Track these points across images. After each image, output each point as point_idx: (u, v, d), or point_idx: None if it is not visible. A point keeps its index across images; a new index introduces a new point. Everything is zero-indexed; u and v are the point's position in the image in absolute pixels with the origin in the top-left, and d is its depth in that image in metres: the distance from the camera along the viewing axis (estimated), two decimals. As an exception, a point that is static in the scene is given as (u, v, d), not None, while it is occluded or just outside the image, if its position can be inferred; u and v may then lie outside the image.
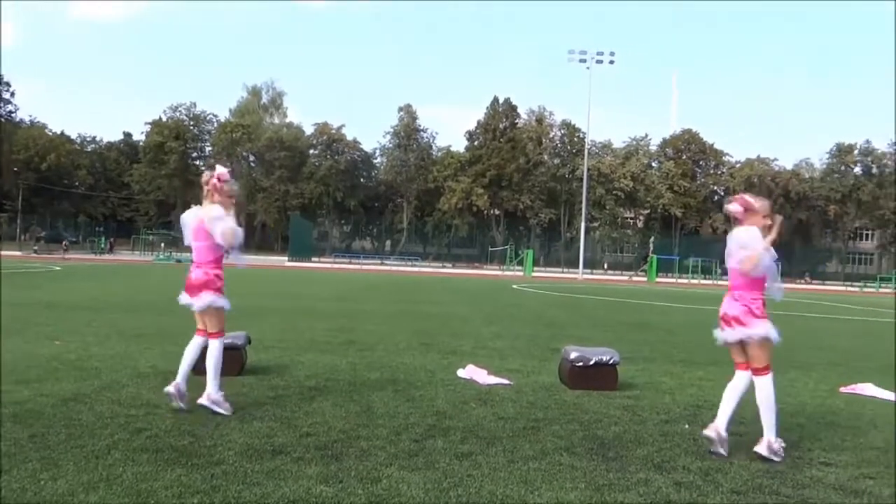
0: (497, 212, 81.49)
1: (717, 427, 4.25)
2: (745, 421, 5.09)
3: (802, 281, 63.53)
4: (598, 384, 6.04)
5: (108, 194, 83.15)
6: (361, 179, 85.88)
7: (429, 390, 5.79)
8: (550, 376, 6.62)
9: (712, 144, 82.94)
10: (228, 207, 4.81)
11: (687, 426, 4.86)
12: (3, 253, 49.83)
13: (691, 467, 3.88)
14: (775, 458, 4.07)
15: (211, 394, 4.71)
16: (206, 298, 4.78)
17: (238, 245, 4.79)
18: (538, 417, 4.96)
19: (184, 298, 4.88)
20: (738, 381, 4.35)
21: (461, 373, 6.58)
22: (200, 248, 4.81)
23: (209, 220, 4.70)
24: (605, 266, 70.21)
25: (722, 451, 4.17)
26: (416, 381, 6.15)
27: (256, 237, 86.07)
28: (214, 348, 4.80)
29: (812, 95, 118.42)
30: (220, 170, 4.88)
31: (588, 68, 52.43)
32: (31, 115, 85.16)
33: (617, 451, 4.15)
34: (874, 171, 79.24)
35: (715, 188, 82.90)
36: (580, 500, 3.27)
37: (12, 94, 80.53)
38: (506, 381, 6.27)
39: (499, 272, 53.91)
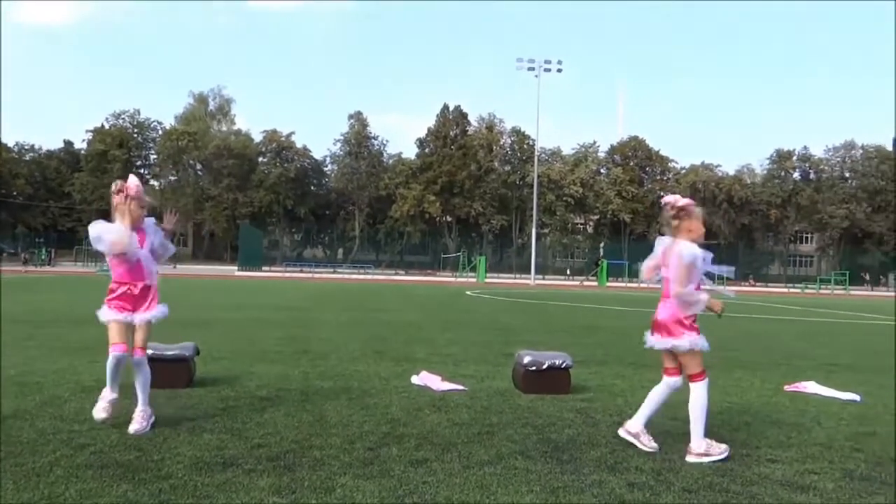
0: (449, 218, 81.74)
1: (627, 426, 4.39)
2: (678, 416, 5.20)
3: (747, 283, 65.30)
4: (552, 388, 6.08)
5: (48, 204, 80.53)
6: (312, 187, 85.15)
7: (383, 398, 5.75)
8: (504, 381, 6.64)
9: (658, 151, 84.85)
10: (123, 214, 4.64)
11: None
12: (-64, 266, 47.78)
13: (644, 468, 3.94)
14: (714, 456, 4.11)
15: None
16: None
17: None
18: (493, 422, 4.97)
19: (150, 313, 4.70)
20: (662, 386, 4.39)
21: (415, 379, 6.55)
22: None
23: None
24: (569, 272, 70.33)
25: (641, 445, 4.28)
26: (370, 389, 6.10)
27: (205, 247, 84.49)
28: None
29: (752, 102, 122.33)
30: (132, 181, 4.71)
31: (536, 76, 53.05)
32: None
33: (571, 454, 4.18)
34: (811, 176, 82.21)
35: (662, 194, 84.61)
36: (536, 503, 3.28)
37: (-55, 102, 77.47)
38: (460, 387, 6.27)
39: (452, 279, 54.02)
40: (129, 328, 4.61)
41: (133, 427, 4.41)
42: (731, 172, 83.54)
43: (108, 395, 4.58)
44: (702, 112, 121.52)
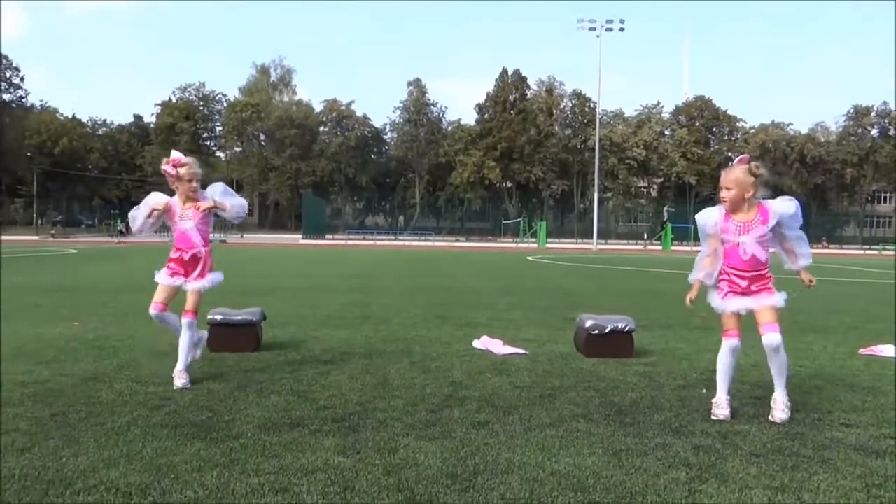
0: (509, 184, 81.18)
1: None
2: (763, 384, 5.07)
3: (819, 246, 62.95)
4: (614, 352, 6.02)
5: (121, 177, 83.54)
6: (372, 155, 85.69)
7: (444, 362, 5.79)
8: (566, 345, 6.60)
9: (726, 111, 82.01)
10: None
11: (704, 391, 4.83)
12: (21, 238, 50.32)
13: (710, 431, 3.86)
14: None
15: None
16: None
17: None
18: (554, 386, 4.95)
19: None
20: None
21: (476, 344, 6.58)
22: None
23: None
24: (646, 236, 67.04)
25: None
26: (432, 353, 6.16)
27: (270, 216, 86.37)
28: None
29: (828, 57, 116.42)
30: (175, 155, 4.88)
31: (598, 36, 51.78)
32: (41, 100, 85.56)
33: (634, 417, 4.14)
34: (892, 132, 78.00)
35: (729, 154, 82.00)
36: (598, 466, 3.26)
37: (22, 80, 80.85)
38: (521, 351, 6.26)
39: (512, 245, 53.83)
40: (174, 291, 4.96)
41: (176, 383, 4.72)
42: (804, 131, 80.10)
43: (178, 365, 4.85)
44: (772, 69, 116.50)
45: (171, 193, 5.01)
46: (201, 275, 4.94)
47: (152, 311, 4.92)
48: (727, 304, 4.23)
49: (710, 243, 4.38)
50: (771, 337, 4.09)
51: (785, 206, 4.21)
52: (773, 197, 4.30)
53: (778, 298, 4.16)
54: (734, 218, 4.19)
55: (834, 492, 2.99)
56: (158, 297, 4.94)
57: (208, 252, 5.02)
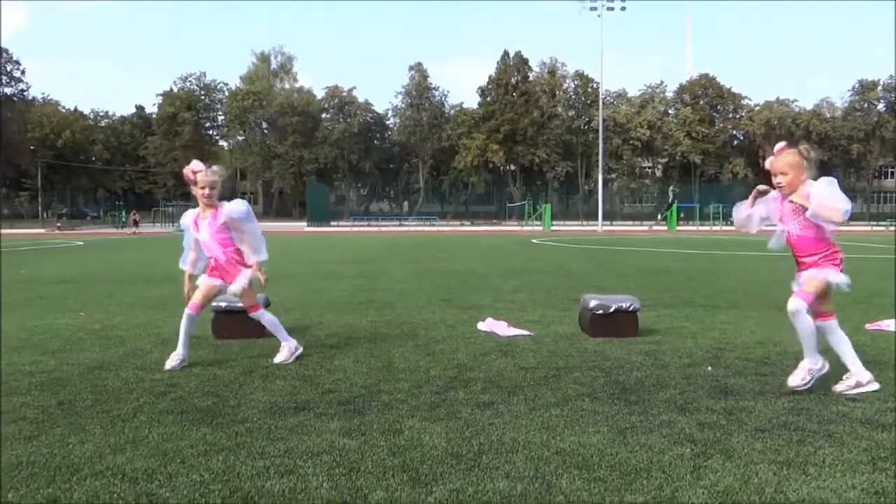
0: (513, 167, 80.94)
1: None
2: (769, 361, 5.06)
3: (826, 223, 62.60)
4: (619, 331, 6.01)
5: (124, 168, 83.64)
6: (375, 141, 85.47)
7: (449, 344, 5.80)
8: (571, 326, 6.60)
9: (730, 88, 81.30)
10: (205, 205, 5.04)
11: (710, 368, 4.83)
12: (27, 231, 50.50)
13: (715, 408, 3.86)
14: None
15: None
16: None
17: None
18: (559, 366, 4.95)
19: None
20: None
21: (481, 326, 6.58)
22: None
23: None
24: (659, 217, 65.71)
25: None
26: (437, 336, 6.17)
27: (275, 204, 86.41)
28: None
29: (833, 32, 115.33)
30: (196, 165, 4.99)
31: (599, 16, 51.37)
32: (43, 93, 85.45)
33: (639, 395, 4.14)
34: (898, 107, 77.39)
35: (734, 133, 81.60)
36: (603, 444, 3.26)
37: (23, 73, 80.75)
38: (526, 333, 6.26)
39: (518, 228, 53.77)
40: (213, 290, 5.18)
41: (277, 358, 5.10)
42: (809, 107, 79.46)
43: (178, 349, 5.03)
44: (776, 45, 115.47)
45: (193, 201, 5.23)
46: (234, 279, 5.07)
47: (188, 311, 5.08)
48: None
49: (762, 212, 4.34)
50: (791, 302, 4.09)
51: (819, 186, 4.08)
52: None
53: (823, 273, 4.12)
54: (786, 203, 4.16)
55: (840, 465, 2.99)
56: (195, 298, 5.12)
57: (230, 256, 5.09)
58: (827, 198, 3.98)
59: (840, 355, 4.25)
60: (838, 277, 4.15)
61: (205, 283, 5.13)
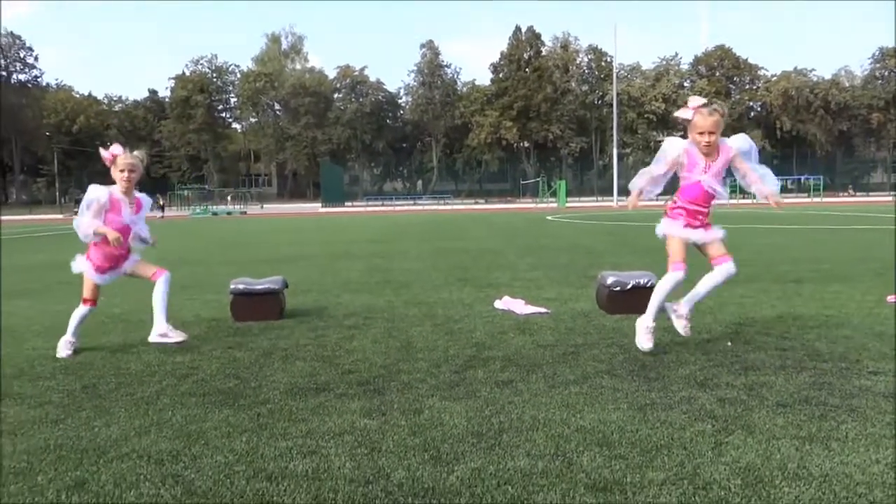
0: (527, 144, 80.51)
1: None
2: (790, 335, 5.02)
3: (845, 194, 61.89)
4: (637, 307, 5.95)
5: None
6: (388, 120, 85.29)
7: (467, 323, 5.80)
8: (588, 303, 6.58)
9: (746, 59, 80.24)
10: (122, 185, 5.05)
11: (729, 343, 4.80)
12: (46, 217, 51.00)
13: (735, 383, 3.84)
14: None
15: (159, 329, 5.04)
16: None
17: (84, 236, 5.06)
18: (577, 343, 4.95)
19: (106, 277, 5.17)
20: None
21: (498, 304, 6.58)
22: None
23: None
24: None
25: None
26: (454, 315, 6.17)
27: (289, 185, 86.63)
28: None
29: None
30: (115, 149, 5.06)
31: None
32: (56, 79, 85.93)
33: (658, 372, 4.13)
34: (920, 74, 75.92)
35: (751, 104, 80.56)
36: (623, 420, 3.26)
37: (36, 59, 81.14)
38: (543, 310, 6.25)
39: (532, 205, 53.58)
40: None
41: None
42: (828, 77, 78.17)
43: None
44: (793, 13, 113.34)
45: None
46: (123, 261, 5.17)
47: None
48: (689, 233, 4.59)
49: (664, 167, 4.60)
50: (730, 265, 4.56)
51: (740, 142, 4.49)
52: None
53: (721, 232, 4.61)
54: (704, 158, 4.43)
55: (863, 440, 2.97)
56: (90, 292, 5.16)
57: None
58: (774, 184, 4.55)
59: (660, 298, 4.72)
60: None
61: (93, 278, 5.12)
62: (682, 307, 4.71)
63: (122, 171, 4.98)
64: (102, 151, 5.05)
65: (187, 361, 4.65)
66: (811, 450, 2.87)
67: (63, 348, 4.93)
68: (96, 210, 4.94)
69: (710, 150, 4.39)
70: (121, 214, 5.01)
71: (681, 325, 4.67)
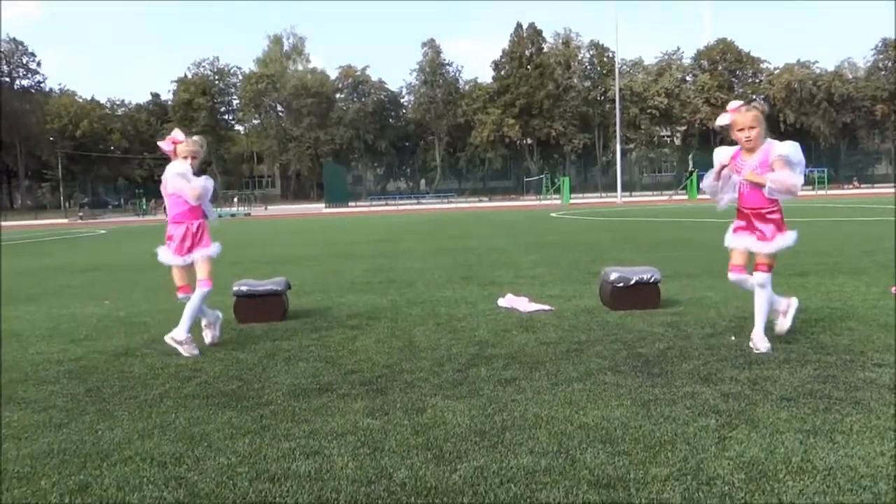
0: (530, 141, 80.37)
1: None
2: (794, 328, 5.01)
3: (850, 186, 61.65)
4: (641, 303, 5.97)
5: (143, 156, 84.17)
6: (390, 120, 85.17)
7: (470, 321, 5.80)
8: (591, 299, 6.57)
9: (749, 52, 79.93)
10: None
11: (733, 338, 4.79)
12: (51, 221, 51.20)
13: (739, 378, 3.83)
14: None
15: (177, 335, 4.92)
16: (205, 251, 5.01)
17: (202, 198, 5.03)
18: (581, 340, 4.93)
19: (174, 258, 5.08)
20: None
21: (501, 302, 6.57)
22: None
23: (173, 177, 4.94)
24: (680, 188, 65.94)
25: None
26: (457, 314, 6.17)
27: (292, 186, 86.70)
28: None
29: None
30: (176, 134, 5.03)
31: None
32: (60, 84, 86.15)
33: (662, 367, 4.11)
34: (923, 64, 75.50)
35: (754, 97, 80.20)
36: (626, 417, 3.25)
37: (38, 64, 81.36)
38: (546, 307, 6.24)
39: (536, 202, 53.54)
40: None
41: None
42: (831, 69, 77.83)
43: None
44: (796, 5, 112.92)
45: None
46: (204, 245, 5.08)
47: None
48: (727, 239, 4.60)
49: (714, 173, 4.66)
50: (755, 276, 4.48)
51: (786, 148, 4.33)
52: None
53: (778, 244, 4.39)
54: (742, 156, 4.44)
55: (867, 432, 2.95)
56: (180, 279, 5.12)
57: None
58: (782, 180, 4.26)
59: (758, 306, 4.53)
60: (793, 237, 4.42)
61: (177, 263, 5.09)
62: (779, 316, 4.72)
63: (184, 157, 4.97)
64: (161, 144, 5.03)
65: (190, 364, 4.66)
66: (815, 443, 2.86)
67: (185, 348, 4.89)
68: (183, 182, 4.99)
69: (753, 146, 4.36)
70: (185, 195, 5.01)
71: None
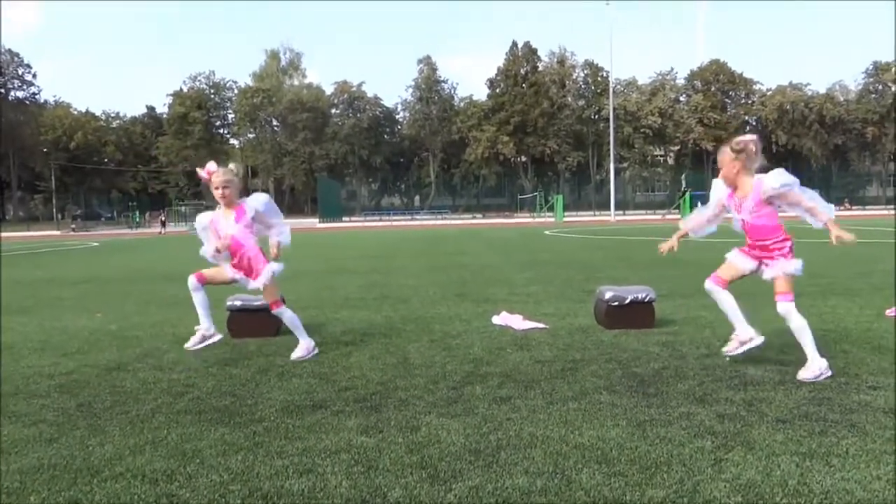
0: (524, 158, 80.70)
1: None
2: (788, 350, 5.01)
3: (841, 207, 62.06)
4: (635, 322, 5.97)
5: (137, 168, 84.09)
6: (385, 136, 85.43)
7: (465, 339, 5.78)
8: (586, 318, 6.57)
9: (741, 73, 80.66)
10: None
11: (728, 358, 4.78)
12: (43, 233, 50.98)
13: (734, 399, 3.82)
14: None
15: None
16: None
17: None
18: (575, 359, 4.92)
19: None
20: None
21: (496, 319, 6.56)
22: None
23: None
24: (673, 207, 67.63)
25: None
26: (452, 331, 6.15)
27: (286, 201, 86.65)
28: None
29: (845, 13, 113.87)
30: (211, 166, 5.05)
31: (608, 3, 51.03)
32: (55, 96, 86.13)
33: (657, 388, 4.10)
34: (913, 88, 76.32)
35: (747, 118, 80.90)
36: (622, 437, 3.24)
37: (34, 76, 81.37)
38: (541, 326, 6.23)
39: (530, 219, 53.64)
40: (221, 276, 5.22)
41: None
42: (822, 91, 78.58)
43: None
44: (788, 28, 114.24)
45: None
46: (255, 273, 5.12)
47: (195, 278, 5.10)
48: (733, 255, 4.65)
49: (714, 209, 4.75)
50: (781, 305, 4.33)
51: (771, 181, 4.27)
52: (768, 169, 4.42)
53: (779, 267, 4.33)
54: (735, 194, 4.46)
55: (863, 456, 2.95)
56: (208, 271, 5.17)
57: (256, 250, 5.16)
58: (821, 206, 4.33)
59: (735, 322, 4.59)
60: (796, 266, 4.33)
61: (224, 268, 5.17)
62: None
63: (216, 188, 5.00)
64: (199, 171, 5.06)
65: (183, 379, 4.62)
66: (812, 466, 2.85)
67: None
68: (204, 235, 5.21)
69: (730, 185, 4.45)
70: (216, 232, 5.11)
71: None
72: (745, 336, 4.52)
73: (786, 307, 4.28)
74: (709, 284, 4.61)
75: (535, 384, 4.25)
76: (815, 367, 4.20)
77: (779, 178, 4.25)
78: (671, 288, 8.55)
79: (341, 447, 3.21)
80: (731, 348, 4.58)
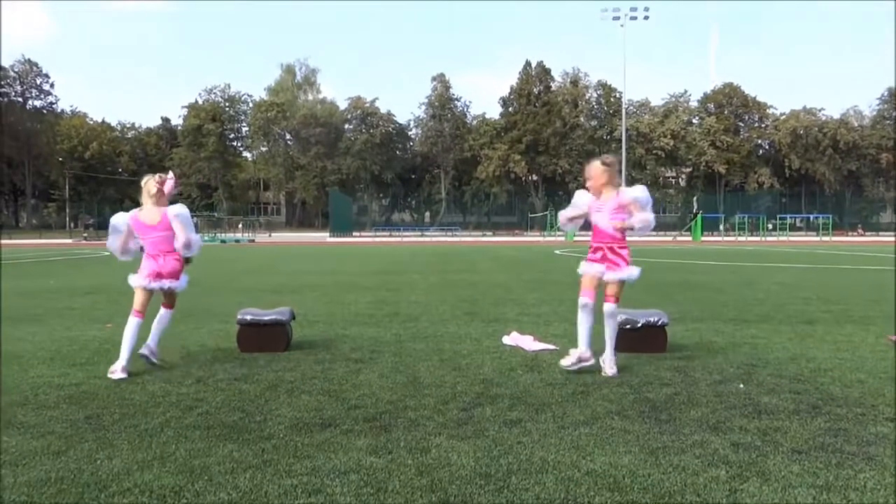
0: (535, 177, 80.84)
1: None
2: (803, 378, 4.94)
3: (855, 233, 61.65)
4: (648, 346, 5.92)
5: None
6: (397, 152, 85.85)
7: (475, 358, 5.75)
8: (597, 341, 6.50)
9: (755, 97, 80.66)
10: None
11: (741, 385, 4.72)
12: (55, 241, 51.30)
13: (749, 427, 3.77)
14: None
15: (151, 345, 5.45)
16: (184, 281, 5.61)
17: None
18: (587, 382, 4.88)
19: (151, 282, 5.53)
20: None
21: (506, 339, 6.52)
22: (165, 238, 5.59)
23: (182, 219, 5.63)
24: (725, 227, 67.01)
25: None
26: (462, 350, 6.12)
27: (297, 214, 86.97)
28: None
29: (861, 40, 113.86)
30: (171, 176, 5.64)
31: (622, 25, 51.26)
32: (72, 106, 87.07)
33: (670, 414, 4.05)
34: (928, 115, 76.07)
35: (759, 142, 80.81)
36: (634, 464, 3.19)
37: (52, 86, 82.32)
38: (552, 347, 6.19)
39: (540, 238, 53.57)
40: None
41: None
42: (836, 116, 78.42)
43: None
44: (803, 53, 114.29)
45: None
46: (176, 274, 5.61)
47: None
48: (584, 268, 5.31)
49: (582, 209, 5.46)
50: (606, 307, 5.15)
51: (633, 192, 5.23)
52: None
53: (625, 273, 5.17)
54: (598, 200, 5.30)
55: (882, 490, 2.89)
56: (136, 302, 5.54)
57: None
58: (644, 219, 5.15)
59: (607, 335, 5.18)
60: (635, 273, 5.20)
61: (138, 289, 5.56)
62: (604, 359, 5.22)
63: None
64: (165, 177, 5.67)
65: (192, 393, 4.61)
66: (829, 499, 2.80)
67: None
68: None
69: (595, 192, 5.33)
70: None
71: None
72: (584, 355, 5.14)
73: (611, 309, 5.13)
74: (583, 300, 5.18)
75: (545, 407, 4.21)
76: (613, 367, 5.10)
77: (643, 193, 5.21)
78: (683, 311, 8.48)
79: (350, 467, 3.18)
80: (569, 363, 5.17)
